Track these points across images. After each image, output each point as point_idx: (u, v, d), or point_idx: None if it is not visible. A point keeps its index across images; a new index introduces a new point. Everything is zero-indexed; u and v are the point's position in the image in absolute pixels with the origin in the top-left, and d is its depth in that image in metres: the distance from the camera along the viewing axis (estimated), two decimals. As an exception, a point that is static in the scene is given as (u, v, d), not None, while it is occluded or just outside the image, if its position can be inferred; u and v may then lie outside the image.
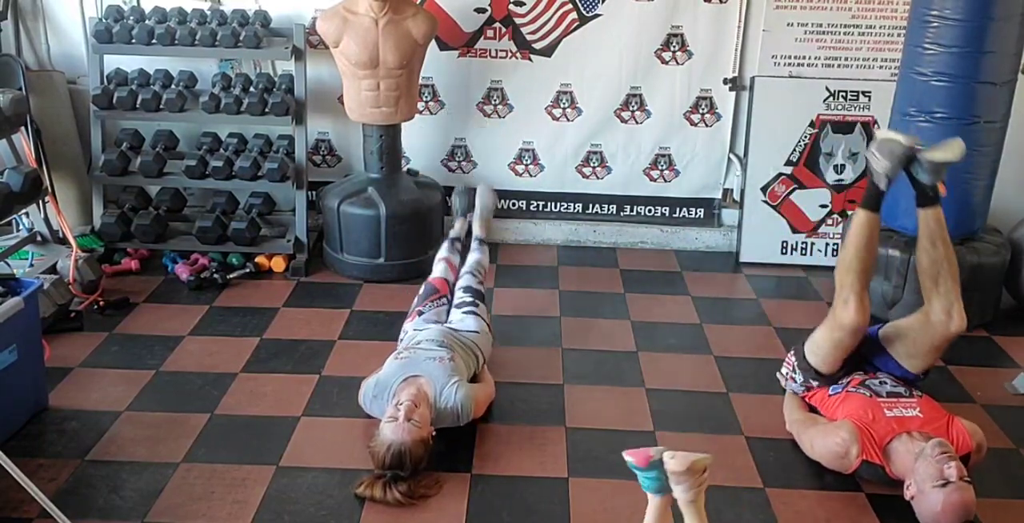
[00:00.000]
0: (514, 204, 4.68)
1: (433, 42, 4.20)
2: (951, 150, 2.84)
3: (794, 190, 4.42)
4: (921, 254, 2.94)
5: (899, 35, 4.08)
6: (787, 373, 3.12)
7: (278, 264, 4.20)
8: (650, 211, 4.69)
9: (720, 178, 4.59)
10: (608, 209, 4.69)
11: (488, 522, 2.59)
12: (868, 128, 4.31)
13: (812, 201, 4.43)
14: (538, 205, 4.69)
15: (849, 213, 2.96)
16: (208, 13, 4.29)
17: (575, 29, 4.35)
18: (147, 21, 4.21)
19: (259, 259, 4.20)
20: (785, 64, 4.35)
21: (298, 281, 4.14)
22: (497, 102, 4.50)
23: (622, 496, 2.62)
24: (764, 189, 4.42)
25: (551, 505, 2.66)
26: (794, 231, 4.47)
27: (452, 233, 3.88)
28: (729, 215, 4.65)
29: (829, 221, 4.44)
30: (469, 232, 3.88)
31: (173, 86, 4.26)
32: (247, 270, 4.15)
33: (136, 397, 3.15)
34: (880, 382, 2.93)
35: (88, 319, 3.67)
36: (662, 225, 4.67)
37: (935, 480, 2.47)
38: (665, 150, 4.55)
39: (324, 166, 4.65)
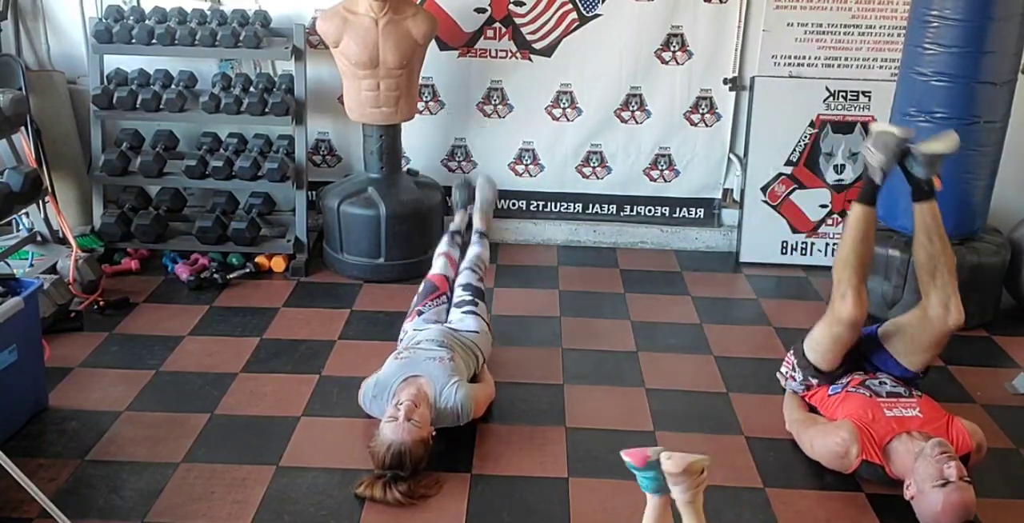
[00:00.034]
0: (514, 204, 4.68)
1: (433, 42, 4.20)
2: (945, 142, 2.85)
3: (794, 190, 4.42)
4: (918, 249, 2.95)
5: (899, 35, 4.08)
6: (787, 372, 3.12)
7: (278, 264, 4.20)
8: (650, 211, 4.69)
9: (720, 178, 4.59)
10: (608, 209, 4.69)
11: (488, 522, 2.59)
12: (868, 128, 4.30)
13: (812, 201, 4.43)
14: (538, 205, 4.69)
15: (849, 213, 2.99)
16: (208, 13, 4.29)
17: (575, 29, 4.35)
18: (147, 21, 4.21)
19: (259, 259, 4.20)
20: (785, 64, 4.35)
21: (298, 281, 4.14)
22: (497, 102, 4.50)
23: (622, 496, 2.62)
24: (764, 189, 4.42)
25: (551, 505, 2.66)
26: (794, 231, 4.47)
27: (452, 226, 3.84)
28: (729, 215, 4.65)
29: (829, 221, 4.44)
30: (470, 225, 3.84)
31: (173, 86, 4.26)
32: (247, 270, 4.15)
33: (136, 397, 3.15)
34: (880, 382, 2.93)
35: (88, 319, 3.67)
36: (662, 225, 4.67)
37: (935, 480, 2.47)
38: (665, 150, 4.55)
39: (324, 166, 4.65)
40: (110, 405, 3.10)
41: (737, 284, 4.32)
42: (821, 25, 4.27)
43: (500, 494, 2.70)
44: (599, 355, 3.55)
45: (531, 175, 4.63)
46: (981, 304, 3.80)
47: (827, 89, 4.32)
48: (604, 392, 3.29)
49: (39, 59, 4.41)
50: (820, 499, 2.73)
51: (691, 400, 3.27)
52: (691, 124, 4.50)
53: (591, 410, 3.16)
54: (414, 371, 2.93)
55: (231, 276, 4.08)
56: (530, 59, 4.41)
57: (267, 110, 4.12)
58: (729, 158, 4.54)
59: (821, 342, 2.96)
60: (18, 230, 4.06)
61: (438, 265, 3.59)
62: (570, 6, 4.30)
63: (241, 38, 4.11)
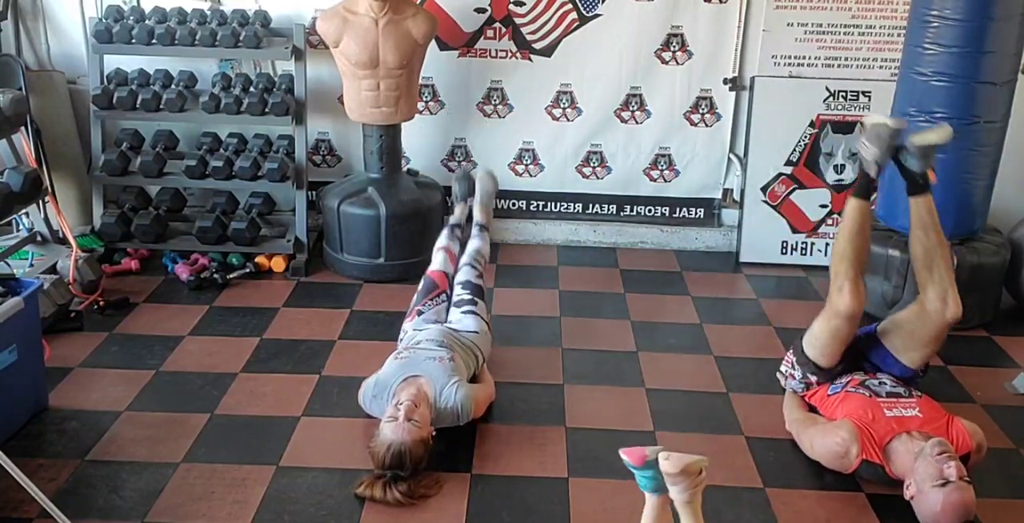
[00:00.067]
0: (514, 204, 4.68)
1: (433, 42, 4.20)
2: (938, 133, 2.89)
3: (794, 190, 4.42)
4: (914, 243, 2.98)
5: (899, 35, 4.08)
6: (786, 370, 3.13)
7: (278, 264, 4.20)
8: (650, 211, 4.69)
9: (720, 178, 4.59)
10: (608, 209, 4.69)
11: (488, 522, 2.59)
12: (862, 122, 4.31)
13: (812, 201, 4.43)
14: (538, 205, 4.69)
15: (844, 207, 3.03)
16: (208, 13, 4.29)
17: (575, 29, 4.35)
18: (147, 21, 4.21)
19: (259, 259, 4.20)
20: (785, 64, 4.35)
21: (298, 281, 4.14)
22: (497, 102, 4.50)
23: (622, 496, 2.61)
24: (764, 189, 4.42)
25: (551, 505, 2.66)
26: (794, 231, 4.47)
27: (452, 219, 3.80)
28: (729, 215, 4.65)
29: (829, 221, 4.44)
30: (470, 218, 3.79)
31: (173, 86, 4.26)
32: (247, 270, 4.15)
33: (136, 397, 3.15)
34: (880, 382, 2.93)
35: (88, 319, 3.67)
36: (662, 225, 4.67)
37: (935, 480, 2.47)
38: (665, 150, 4.55)
39: (324, 166, 4.65)
40: (110, 405, 3.09)
41: (737, 284, 4.32)
42: (821, 25, 4.27)
43: (500, 494, 2.70)
44: (599, 355, 3.55)
45: (531, 175, 4.63)
46: (981, 304, 3.80)
47: (827, 89, 4.32)
48: (604, 392, 3.29)
49: (39, 59, 4.41)
50: (820, 499, 2.73)
51: (691, 400, 3.27)
52: (691, 124, 4.50)
53: (591, 410, 3.16)
54: (414, 371, 2.93)
55: (231, 276, 4.08)
56: (530, 59, 4.41)
57: (267, 110, 4.12)
58: (729, 158, 4.54)
59: (819, 337, 2.97)
60: (18, 230, 4.06)
61: (437, 261, 3.56)
62: (570, 6, 4.30)
63: (241, 38, 4.11)
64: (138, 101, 4.16)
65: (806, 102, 4.33)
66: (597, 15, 4.31)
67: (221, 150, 4.29)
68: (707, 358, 3.57)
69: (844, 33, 4.29)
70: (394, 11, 3.86)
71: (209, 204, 4.38)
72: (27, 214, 3.89)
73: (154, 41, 4.14)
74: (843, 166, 4.37)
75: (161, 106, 4.16)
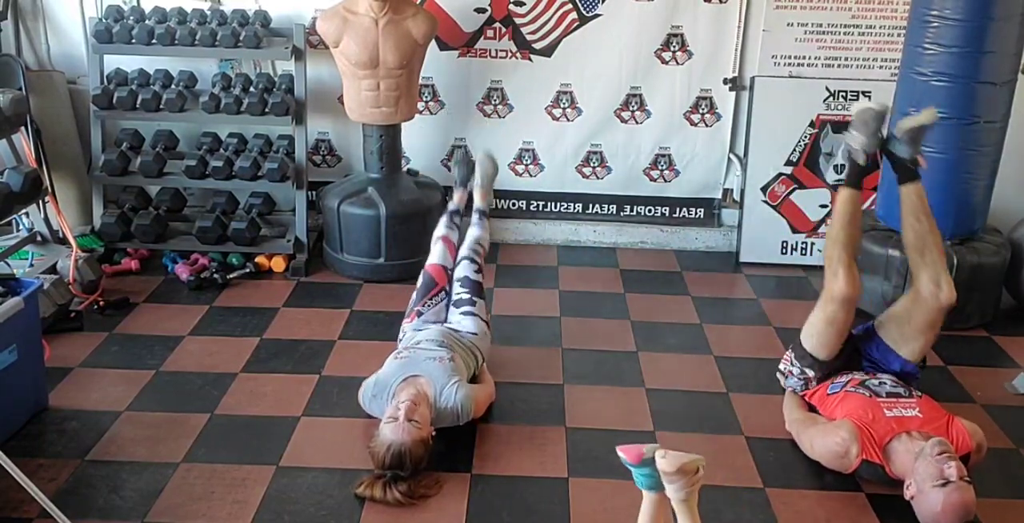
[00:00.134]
0: (514, 204, 4.68)
1: (433, 42, 4.20)
2: (924, 115, 2.95)
3: (794, 190, 4.42)
4: (906, 229, 3.04)
5: (899, 35, 4.08)
6: (785, 368, 3.13)
7: (278, 264, 4.20)
8: (650, 211, 4.69)
9: (720, 178, 4.59)
10: (608, 209, 4.69)
11: (488, 522, 2.59)
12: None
13: (812, 201, 4.43)
14: (538, 205, 4.69)
15: (836, 196, 3.09)
16: (208, 13, 4.29)
17: (575, 29, 4.35)
18: (147, 21, 4.21)
19: (259, 259, 4.20)
20: (785, 64, 4.35)
21: (298, 281, 4.14)
22: (497, 102, 4.50)
23: (622, 496, 2.61)
24: (764, 189, 4.42)
25: (551, 505, 2.66)
26: (794, 231, 4.47)
27: (451, 206, 3.72)
28: (729, 215, 4.65)
29: (829, 221, 4.43)
30: (470, 204, 3.73)
31: (173, 86, 4.26)
32: (247, 270, 4.15)
33: (136, 397, 3.15)
34: (880, 383, 2.93)
35: (88, 319, 3.67)
36: (662, 225, 4.67)
37: (935, 480, 2.47)
38: (665, 150, 4.55)
39: (324, 166, 4.65)
40: (110, 405, 3.10)
41: (737, 284, 4.32)
42: (821, 25, 4.27)
43: (500, 494, 2.70)
44: (599, 355, 3.55)
45: (531, 175, 4.63)
46: (981, 304, 3.80)
47: (827, 89, 4.32)
48: (604, 392, 3.29)
49: (39, 59, 4.41)
50: (820, 499, 2.73)
51: (691, 400, 3.27)
52: (691, 124, 4.50)
53: (591, 410, 3.16)
54: (414, 371, 2.93)
55: (231, 276, 4.07)
56: (530, 59, 4.41)
57: (267, 110, 4.12)
58: (729, 158, 4.54)
59: (816, 325, 2.99)
60: (18, 230, 4.06)
61: (436, 253, 3.49)
62: (570, 6, 4.30)
63: (241, 38, 4.11)
64: (138, 101, 4.16)
65: (806, 102, 4.33)
66: (597, 15, 4.31)
67: (221, 150, 4.29)
68: (707, 358, 3.57)
69: (844, 33, 4.29)
70: (394, 11, 3.86)
71: (209, 204, 4.38)
72: (27, 214, 3.89)
73: (154, 41, 4.14)
74: (843, 166, 4.34)
75: (161, 106, 4.16)
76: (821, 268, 4.25)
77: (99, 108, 4.18)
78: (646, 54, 4.37)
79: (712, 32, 4.32)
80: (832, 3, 4.24)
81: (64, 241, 3.93)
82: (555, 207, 4.69)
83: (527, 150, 4.58)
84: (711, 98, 4.44)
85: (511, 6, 4.32)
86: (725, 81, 4.41)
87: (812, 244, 4.46)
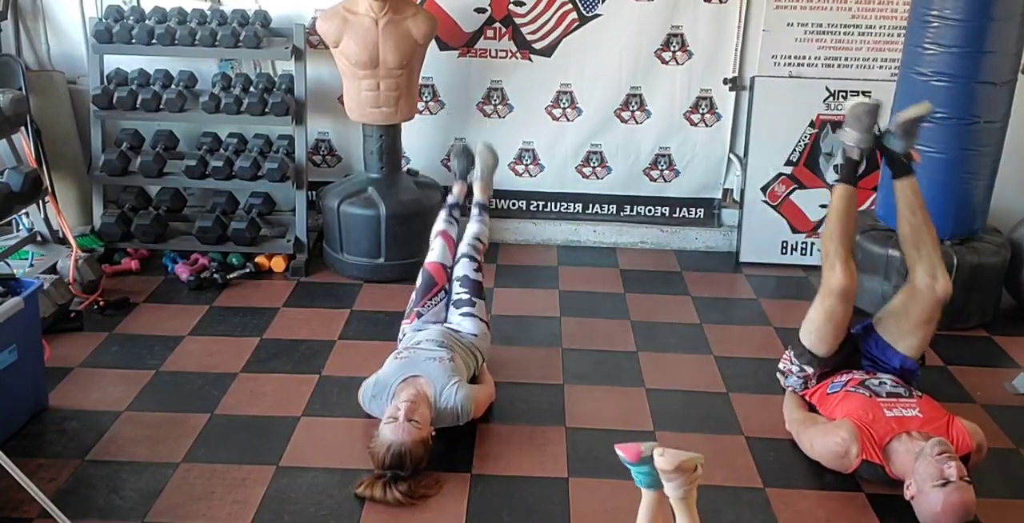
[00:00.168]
0: (514, 204, 4.68)
1: (433, 42, 4.20)
2: (918, 107, 2.97)
3: (794, 190, 4.42)
4: (902, 223, 3.06)
5: (899, 35, 4.08)
6: (784, 367, 3.13)
7: (278, 264, 4.20)
8: (650, 211, 4.69)
9: (720, 178, 4.59)
10: (608, 209, 4.69)
11: (488, 522, 2.59)
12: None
13: (812, 201, 4.42)
14: (538, 205, 4.69)
15: (833, 193, 3.12)
16: (208, 13, 4.29)
17: (575, 29, 4.35)
18: (147, 21, 4.21)
19: (259, 259, 4.20)
20: (785, 64, 4.35)
21: (298, 281, 4.14)
22: (497, 102, 4.50)
23: (622, 496, 2.61)
24: (764, 189, 4.42)
25: (551, 505, 2.66)
26: (794, 231, 4.47)
27: (450, 199, 3.68)
28: (729, 215, 4.65)
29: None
30: (470, 196, 3.69)
31: (173, 86, 4.26)
32: (247, 270, 4.15)
33: (136, 397, 3.15)
34: (880, 382, 2.93)
35: (88, 319, 3.67)
36: (662, 225, 4.67)
37: (935, 480, 2.47)
38: (665, 150, 4.55)
39: (324, 166, 4.65)
40: (110, 405, 3.09)
41: (737, 284, 4.32)
42: (821, 25, 4.27)
43: (500, 494, 2.70)
44: (599, 355, 3.55)
45: (531, 175, 4.63)
46: (981, 304, 3.80)
47: (827, 89, 4.32)
48: (604, 392, 3.29)
49: (39, 59, 4.41)
50: (820, 499, 2.73)
51: (691, 400, 3.27)
52: (691, 124, 4.50)
53: (591, 410, 3.16)
54: (414, 371, 2.93)
55: (231, 276, 4.07)
56: (530, 59, 4.41)
57: (267, 110, 4.12)
58: (729, 158, 4.54)
59: (815, 320, 3.00)
60: (18, 230, 4.06)
61: (436, 250, 3.46)
62: (570, 6, 4.30)
63: (241, 38, 4.11)
64: (138, 101, 4.16)
65: (806, 102, 4.33)
66: (597, 15, 4.31)
67: (221, 150, 4.29)
68: (707, 358, 3.57)
69: (844, 33, 4.29)
70: (394, 11, 3.86)
71: (209, 204, 4.38)
72: (27, 214, 3.89)
73: (154, 41, 4.14)
74: (843, 166, 4.36)
75: (161, 106, 4.16)
76: (821, 268, 4.30)
77: (99, 108, 4.18)
78: (646, 54, 4.37)
79: (712, 32, 4.32)
80: (832, 3, 4.24)
81: (64, 241, 3.93)
82: (555, 207, 4.69)
83: (527, 150, 4.58)
84: (711, 98, 4.44)
85: (511, 6, 4.32)
86: (725, 81, 4.41)
87: (812, 244, 4.46)
